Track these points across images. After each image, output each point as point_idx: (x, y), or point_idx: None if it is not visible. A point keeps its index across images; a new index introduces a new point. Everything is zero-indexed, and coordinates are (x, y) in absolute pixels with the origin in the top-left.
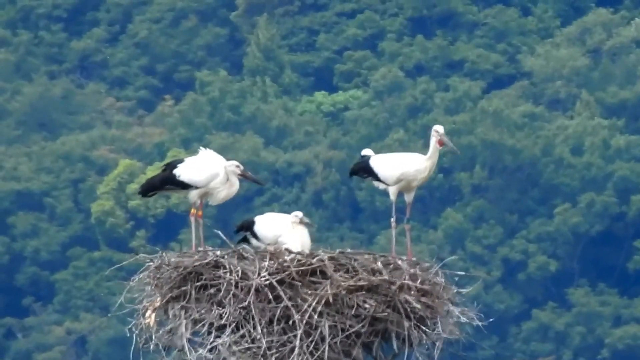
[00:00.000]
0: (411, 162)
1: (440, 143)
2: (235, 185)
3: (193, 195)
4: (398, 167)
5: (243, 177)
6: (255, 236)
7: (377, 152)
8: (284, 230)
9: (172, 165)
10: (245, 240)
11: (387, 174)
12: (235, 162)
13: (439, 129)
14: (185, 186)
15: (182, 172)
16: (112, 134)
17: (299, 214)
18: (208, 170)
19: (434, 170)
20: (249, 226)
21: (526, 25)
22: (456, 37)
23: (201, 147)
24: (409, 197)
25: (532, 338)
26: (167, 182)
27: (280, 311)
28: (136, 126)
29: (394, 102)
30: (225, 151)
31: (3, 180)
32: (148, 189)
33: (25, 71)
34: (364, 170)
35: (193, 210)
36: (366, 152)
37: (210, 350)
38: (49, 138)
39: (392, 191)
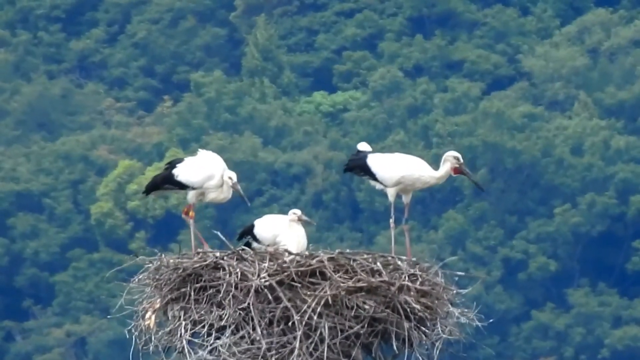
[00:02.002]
0: (415, 166)
1: (456, 171)
2: (224, 194)
3: (191, 196)
4: (400, 169)
5: (233, 188)
6: (255, 239)
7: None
8: (281, 230)
9: (172, 165)
10: (248, 245)
11: (387, 175)
12: (230, 174)
13: (459, 156)
14: (182, 186)
15: (180, 172)
16: (112, 134)
17: (297, 211)
18: (204, 172)
19: None
20: (249, 230)
21: (525, 25)
22: (455, 37)
23: (200, 149)
24: (406, 198)
25: (533, 338)
26: (167, 181)
27: (279, 312)
28: (135, 126)
29: (393, 102)
30: (223, 152)
31: (2, 181)
32: (151, 187)
33: (24, 71)
34: (361, 168)
35: (185, 209)
36: (362, 146)
37: (210, 352)
38: (48, 138)
39: (391, 192)
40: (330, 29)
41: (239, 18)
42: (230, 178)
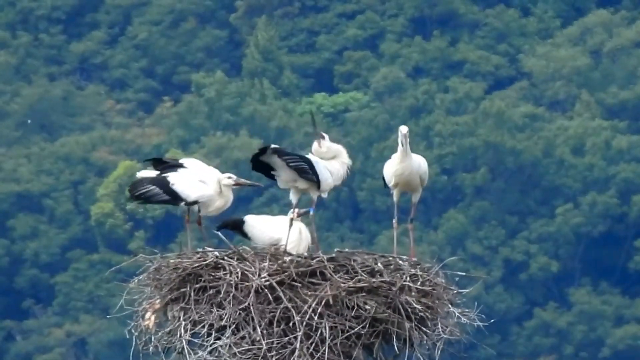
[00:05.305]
0: (391, 163)
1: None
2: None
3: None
4: (388, 169)
5: (237, 185)
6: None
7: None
8: (278, 230)
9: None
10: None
11: (384, 173)
12: (228, 174)
13: (402, 129)
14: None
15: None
16: (112, 135)
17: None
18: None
19: (414, 172)
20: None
21: (526, 26)
22: (457, 37)
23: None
24: (414, 197)
25: (534, 338)
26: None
27: (280, 312)
28: (135, 127)
29: (394, 103)
30: (223, 152)
31: (3, 182)
32: None
33: (25, 73)
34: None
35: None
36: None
37: (210, 352)
38: (48, 140)
39: (394, 192)
40: (332, 31)
41: (239, 19)
42: (229, 177)
